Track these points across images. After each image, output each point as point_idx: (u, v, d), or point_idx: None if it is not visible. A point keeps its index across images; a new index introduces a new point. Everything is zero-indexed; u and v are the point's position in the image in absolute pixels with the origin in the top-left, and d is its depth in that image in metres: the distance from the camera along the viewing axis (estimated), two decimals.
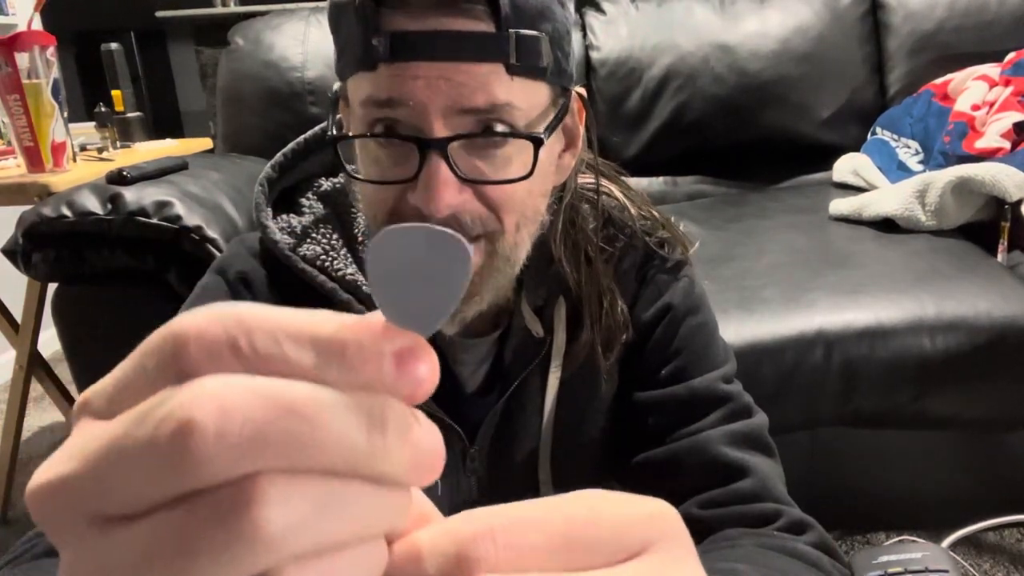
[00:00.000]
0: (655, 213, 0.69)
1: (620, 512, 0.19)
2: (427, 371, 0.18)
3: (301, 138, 0.66)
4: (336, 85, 0.57)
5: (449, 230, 0.18)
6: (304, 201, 0.65)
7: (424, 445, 0.18)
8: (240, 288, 0.62)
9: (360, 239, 0.63)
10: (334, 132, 0.56)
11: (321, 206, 0.64)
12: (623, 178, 0.71)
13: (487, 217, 0.53)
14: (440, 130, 0.50)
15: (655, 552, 0.19)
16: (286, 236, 0.62)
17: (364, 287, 0.60)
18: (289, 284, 0.61)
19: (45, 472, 0.17)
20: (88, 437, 0.17)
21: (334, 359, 0.17)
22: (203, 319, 0.17)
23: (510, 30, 0.49)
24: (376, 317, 0.18)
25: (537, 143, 0.52)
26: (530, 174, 0.52)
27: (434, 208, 0.50)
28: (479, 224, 0.53)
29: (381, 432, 0.17)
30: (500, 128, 0.51)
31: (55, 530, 0.17)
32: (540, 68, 0.52)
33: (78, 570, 0.17)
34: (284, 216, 0.64)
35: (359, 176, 0.55)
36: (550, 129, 0.54)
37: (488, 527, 0.18)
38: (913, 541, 1.26)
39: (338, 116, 0.58)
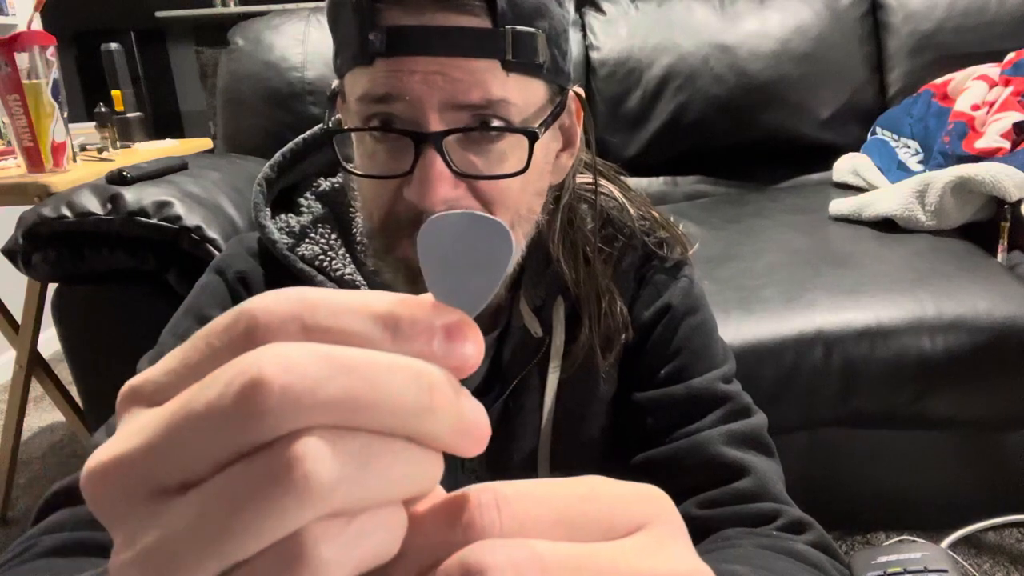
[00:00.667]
0: (654, 213, 0.68)
1: (617, 492, 0.20)
2: (474, 347, 0.20)
3: (300, 138, 0.66)
4: (335, 83, 0.57)
5: (494, 217, 0.20)
6: (303, 201, 0.65)
7: (469, 414, 0.19)
8: (239, 288, 0.62)
9: (359, 239, 0.63)
10: (331, 114, 0.56)
11: (320, 206, 0.64)
12: (622, 178, 0.71)
13: None
14: (436, 124, 0.50)
15: (649, 530, 0.19)
16: (284, 236, 0.62)
17: (362, 287, 0.60)
18: (287, 284, 0.61)
19: (100, 455, 0.18)
20: (144, 418, 0.18)
21: (389, 330, 0.19)
22: (270, 299, 0.19)
23: (506, 27, 0.49)
24: (426, 297, 0.20)
25: (532, 137, 0.52)
26: (525, 169, 0.52)
27: (429, 203, 0.50)
28: None
29: (430, 393, 0.18)
30: (496, 123, 0.51)
31: (112, 510, 0.18)
32: (536, 65, 0.52)
33: (135, 546, 0.17)
34: (283, 216, 0.64)
35: (356, 171, 0.55)
36: (545, 125, 0.54)
37: (493, 498, 0.18)
38: (913, 541, 1.27)
39: (336, 115, 0.58)
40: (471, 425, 0.19)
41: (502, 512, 0.18)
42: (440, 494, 0.19)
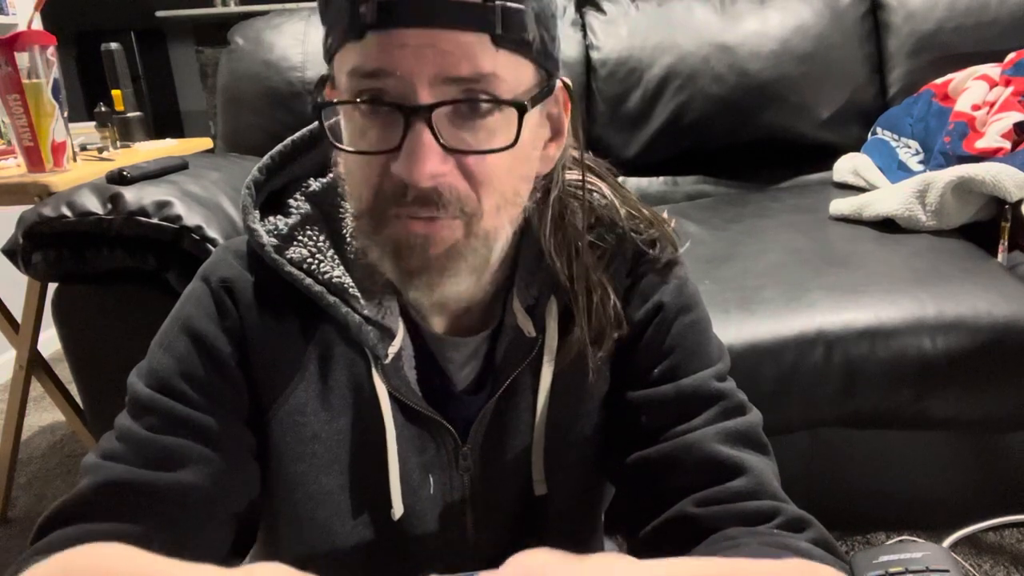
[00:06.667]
0: (644, 211, 0.68)
1: None
2: None
3: (288, 140, 0.66)
4: (325, 71, 0.57)
5: None
6: (291, 202, 0.64)
7: None
8: (222, 295, 0.61)
9: (348, 240, 0.63)
10: (320, 99, 0.55)
11: (308, 206, 0.64)
12: (614, 176, 0.70)
13: (466, 194, 0.53)
14: (425, 97, 0.50)
15: None
16: (272, 239, 0.62)
17: (351, 289, 0.60)
18: (275, 287, 0.61)
19: None
20: None
21: None
22: None
23: (496, 2, 0.49)
24: None
25: (521, 110, 0.52)
26: (514, 143, 0.52)
27: (417, 176, 0.50)
28: (457, 200, 0.53)
29: None
30: (484, 97, 0.51)
31: None
32: (525, 42, 0.52)
33: None
34: (271, 218, 0.63)
35: (345, 148, 0.55)
36: (534, 101, 0.54)
37: None
38: (913, 541, 1.26)
39: (323, 97, 0.57)
40: None
41: None
42: None
